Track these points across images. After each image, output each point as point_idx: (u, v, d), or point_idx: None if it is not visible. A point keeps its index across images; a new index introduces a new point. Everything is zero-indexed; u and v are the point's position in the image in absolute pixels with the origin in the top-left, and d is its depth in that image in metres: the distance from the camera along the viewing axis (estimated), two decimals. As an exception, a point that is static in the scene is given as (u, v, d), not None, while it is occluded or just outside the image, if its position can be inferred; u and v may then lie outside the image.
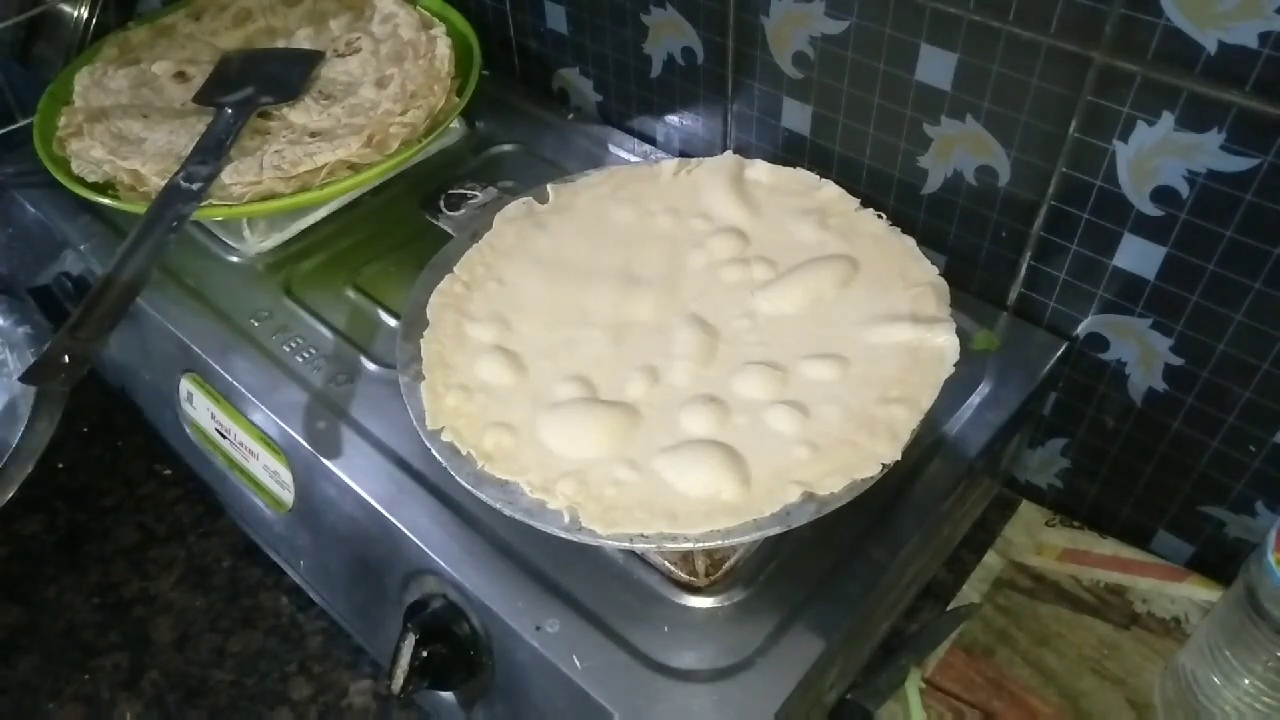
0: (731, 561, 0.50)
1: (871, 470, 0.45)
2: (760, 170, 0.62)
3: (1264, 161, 0.47)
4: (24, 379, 0.54)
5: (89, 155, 0.65)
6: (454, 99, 0.70)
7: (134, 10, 0.84)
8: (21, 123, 0.72)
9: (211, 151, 0.63)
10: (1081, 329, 0.60)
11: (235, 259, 0.68)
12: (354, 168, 0.64)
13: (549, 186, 0.62)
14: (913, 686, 0.56)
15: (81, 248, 0.70)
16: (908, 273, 0.54)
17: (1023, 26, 0.51)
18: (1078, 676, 0.57)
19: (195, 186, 0.60)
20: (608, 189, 0.62)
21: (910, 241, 0.56)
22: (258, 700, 0.59)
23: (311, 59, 0.72)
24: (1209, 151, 0.48)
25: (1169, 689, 0.54)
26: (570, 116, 0.80)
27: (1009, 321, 0.62)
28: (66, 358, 0.52)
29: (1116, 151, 0.52)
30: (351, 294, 0.65)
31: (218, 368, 0.61)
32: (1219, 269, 0.51)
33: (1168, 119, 0.49)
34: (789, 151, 0.68)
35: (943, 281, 0.53)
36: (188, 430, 0.66)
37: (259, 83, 0.69)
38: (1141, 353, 0.57)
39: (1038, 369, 0.59)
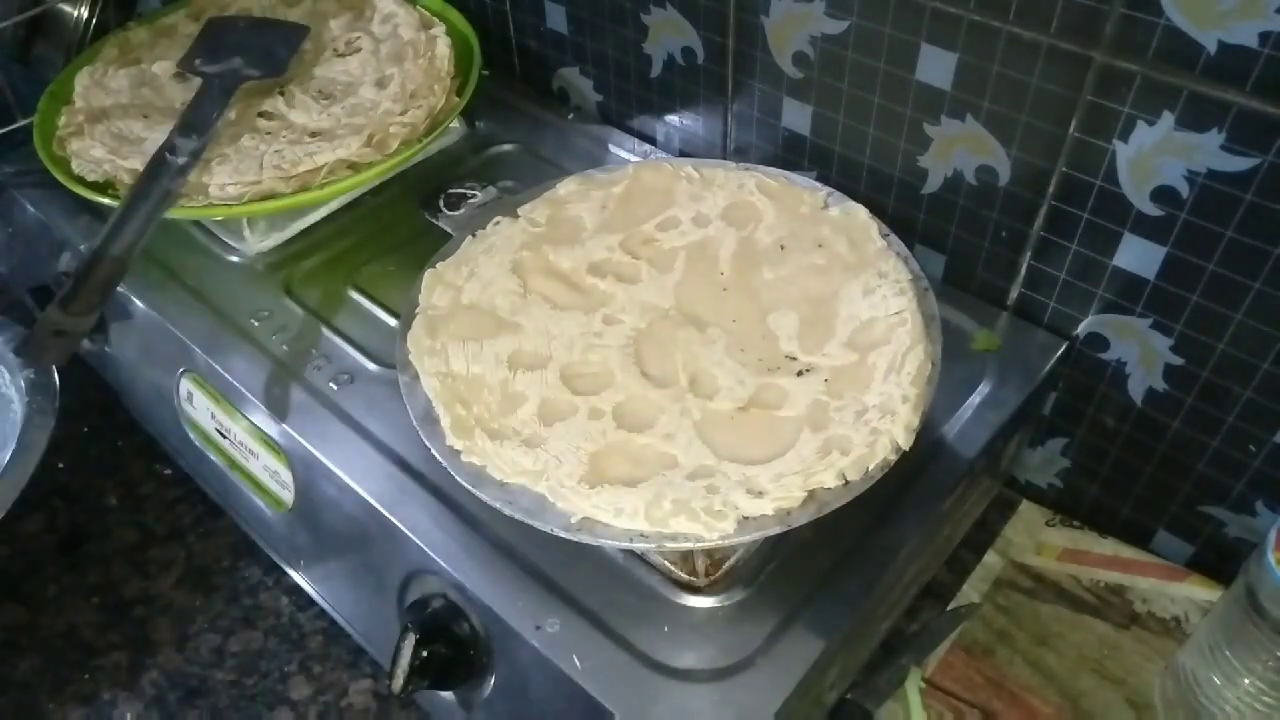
0: (731, 561, 0.50)
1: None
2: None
3: (1264, 161, 0.47)
4: (16, 353, 0.53)
5: (89, 155, 0.65)
6: (454, 99, 0.70)
7: (134, 10, 0.84)
8: (21, 122, 0.72)
9: (198, 125, 0.62)
10: (1081, 329, 0.60)
11: (235, 259, 0.68)
12: (354, 168, 0.64)
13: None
14: (913, 686, 0.56)
15: (81, 248, 0.70)
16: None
17: (1023, 26, 0.51)
18: (1078, 676, 0.56)
19: (182, 160, 0.60)
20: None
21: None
22: (258, 700, 0.59)
23: (299, 33, 0.72)
24: (1209, 151, 0.48)
25: (1169, 689, 0.54)
26: (570, 116, 0.80)
27: (1009, 321, 0.62)
28: (56, 332, 0.51)
29: (1116, 151, 0.52)
30: (351, 294, 0.65)
31: (218, 368, 0.61)
32: (1219, 269, 0.51)
33: (1168, 119, 0.49)
34: (789, 151, 0.68)
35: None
36: (187, 430, 0.66)
37: (246, 54, 0.68)
38: (1141, 353, 0.57)
39: (1038, 369, 0.59)
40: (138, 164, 0.63)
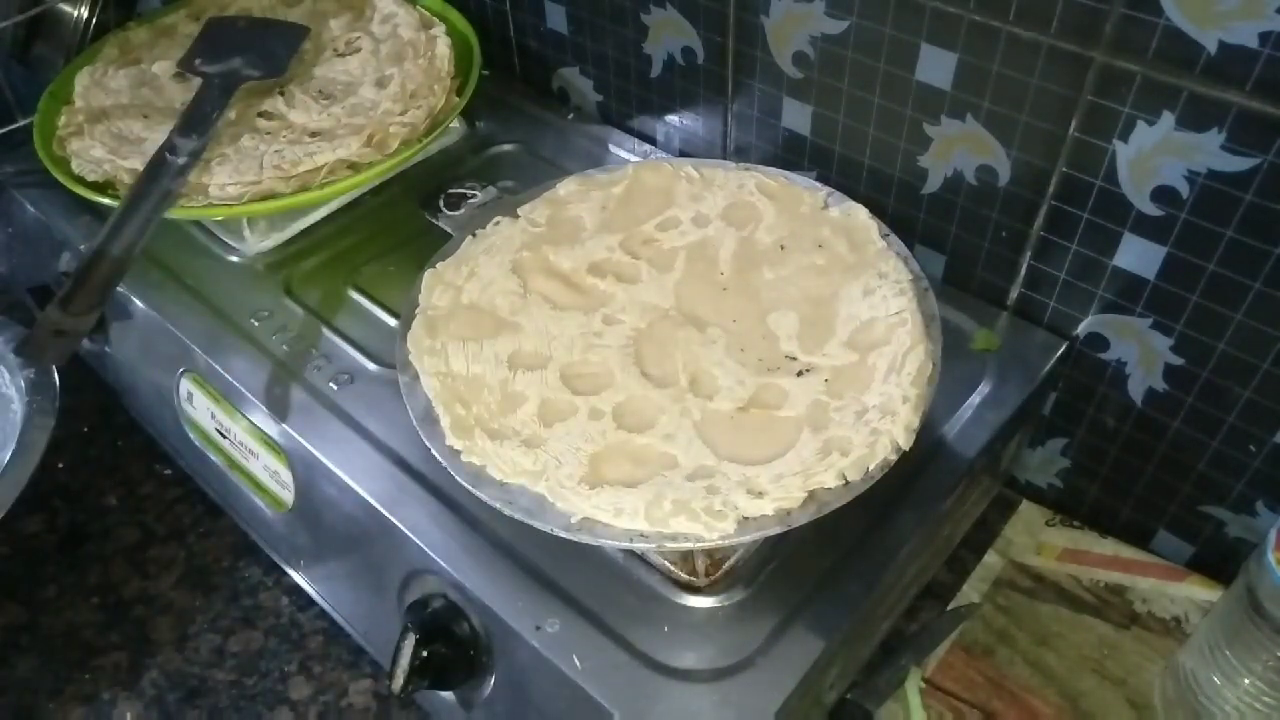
0: (731, 561, 0.50)
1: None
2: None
3: (1264, 161, 0.47)
4: (16, 352, 0.53)
5: (89, 155, 0.65)
6: (454, 99, 0.70)
7: (134, 10, 0.84)
8: (21, 122, 0.72)
9: (198, 125, 0.62)
10: (1081, 329, 0.60)
11: (235, 259, 0.68)
12: (354, 168, 0.64)
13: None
14: (913, 686, 0.56)
15: (81, 248, 0.70)
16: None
17: (1023, 26, 0.51)
18: (1078, 676, 0.56)
19: (182, 160, 0.60)
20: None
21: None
22: (258, 700, 0.59)
23: (299, 33, 0.72)
24: (1209, 151, 0.48)
25: (1169, 689, 0.54)
26: (570, 116, 0.80)
27: (1009, 321, 0.62)
28: (56, 332, 0.51)
29: (1116, 151, 0.52)
30: (351, 294, 0.65)
31: (218, 368, 0.61)
32: (1219, 269, 0.51)
33: (1168, 119, 0.49)
34: (789, 151, 0.68)
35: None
36: (187, 430, 0.66)
37: (246, 54, 0.68)
38: (1141, 352, 0.57)
39: (1038, 369, 0.59)
40: (138, 164, 0.63)
